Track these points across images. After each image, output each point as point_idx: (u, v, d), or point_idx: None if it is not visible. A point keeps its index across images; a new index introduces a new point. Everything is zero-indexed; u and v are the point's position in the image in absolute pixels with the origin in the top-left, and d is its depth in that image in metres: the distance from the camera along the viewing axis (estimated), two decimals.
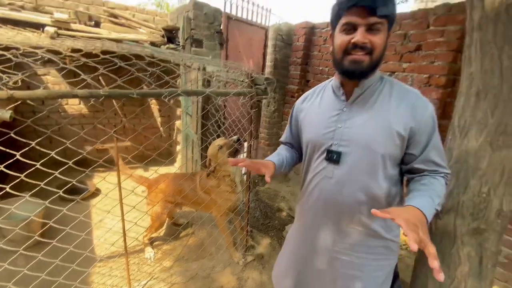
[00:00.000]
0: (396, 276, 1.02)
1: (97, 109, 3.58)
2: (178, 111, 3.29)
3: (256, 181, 4.01)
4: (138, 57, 1.38)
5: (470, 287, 1.03)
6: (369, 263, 0.91)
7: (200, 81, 2.29)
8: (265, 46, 3.49)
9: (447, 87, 2.20)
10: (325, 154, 0.90)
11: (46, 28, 2.13)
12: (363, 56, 0.78)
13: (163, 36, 2.85)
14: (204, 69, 2.21)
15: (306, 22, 3.32)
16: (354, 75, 0.82)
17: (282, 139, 1.17)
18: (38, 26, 2.31)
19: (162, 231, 2.47)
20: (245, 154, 2.34)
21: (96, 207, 2.79)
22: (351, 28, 0.78)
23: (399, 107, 0.82)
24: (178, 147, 3.47)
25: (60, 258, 1.43)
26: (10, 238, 1.92)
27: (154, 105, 3.99)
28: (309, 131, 0.97)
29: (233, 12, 2.92)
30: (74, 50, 1.34)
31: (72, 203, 1.53)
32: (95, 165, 1.48)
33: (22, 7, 2.45)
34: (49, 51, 1.25)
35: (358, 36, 0.76)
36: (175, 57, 2.15)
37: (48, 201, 1.33)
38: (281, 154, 1.07)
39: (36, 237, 1.42)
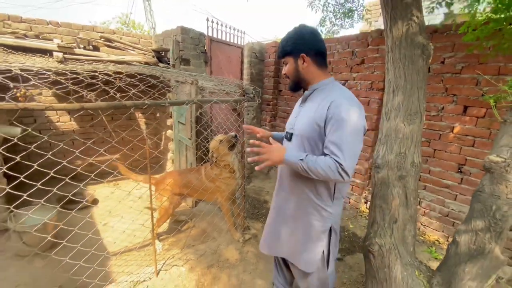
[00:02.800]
0: (332, 234, 1.30)
1: (86, 124, 3.79)
2: (169, 122, 3.66)
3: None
4: (128, 75, 1.80)
5: (401, 213, 1.60)
6: (302, 214, 1.26)
7: (194, 93, 2.74)
8: (242, 62, 4.04)
9: (384, 90, 2.92)
10: (285, 134, 1.34)
11: (55, 54, 2.44)
12: (288, 79, 1.30)
13: (153, 57, 3.26)
14: (197, 83, 2.67)
15: (275, 42, 3.96)
16: (291, 90, 1.33)
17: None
18: (43, 52, 2.59)
19: (165, 228, 2.80)
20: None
21: (98, 212, 3.03)
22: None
23: (322, 104, 1.14)
24: (170, 154, 3.81)
25: (82, 259, 1.73)
26: (27, 242, 2.15)
27: (140, 118, 4.29)
28: (289, 120, 1.40)
29: (215, 35, 3.44)
30: (118, 72, 1.72)
31: (73, 210, 1.71)
32: (89, 176, 1.84)
33: (25, 35, 2.71)
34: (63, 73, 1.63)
35: (282, 70, 1.31)
36: (171, 74, 2.58)
37: (59, 205, 1.66)
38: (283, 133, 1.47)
39: (49, 238, 1.58)
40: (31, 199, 1.27)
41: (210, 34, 3.36)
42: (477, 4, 1.60)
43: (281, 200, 1.36)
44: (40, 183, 1.30)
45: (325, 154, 1.10)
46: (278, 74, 4.10)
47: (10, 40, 2.41)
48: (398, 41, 1.72)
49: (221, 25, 3.50)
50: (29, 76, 1.18)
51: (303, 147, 1.21)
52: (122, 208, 3.05)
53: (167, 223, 2.82)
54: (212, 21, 3.36)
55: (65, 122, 3.74)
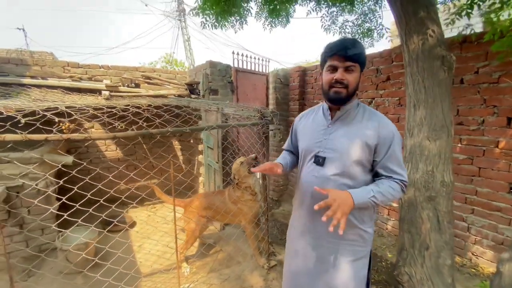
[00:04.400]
0: (371, 261, 1.21)
1: (130, 152, 4.20)
2: (200, 147, 3.88)
3: (271, 205, 4.41)
4: (157, 106, 1.99)
5: (433, 239, 1.43)
6: (344, 248, 1.12)
7: (219, 119, 2.91)
8: (267, 88, 4.20)
9: None
10: (314, 158, 1.16)
11: (103, 92, 2.84)
12: (342, 89, 1.07)
13: (186, 89, 3.58)
14: (222, 110, 2.84)
15: (298, 67, 4.08)
16: (336, 102, 1.12)
17: (284, 147, 1.45)
18: (94, 91, 3.05)
19: (193, 251, 2.85)
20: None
21: (135, 235, 3.23)
22: (333, 69, 1.08)
23: (368, 125, 1.09)
24: (201, 178, 3.98)
25: (116, 277, 1.85)
26: (70, 260, 2.37)
27: (176, 145, 4.62)
28: (304, 141, 1.24)
29: (240, 66, 3.68)
30: (148, 105, 1.96)
31: (114, 232, 1.98)
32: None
33: (81, 78, 3.23)
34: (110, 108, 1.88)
35: (338, 74, 1.06)
36: (199, 104, 2.80)
37: (101, 227, 1.82)
38: (286, 158, 1.36)
39: (86, 256, 1.74)
40: (74, 219, 1.44)
41: (236, 65, 3.61)
42: (501, 11, 1.50)
43: (312, 229, 1.18)
44: (92, 208, 1.49)
45: (377, 175, 1.11)
46: (303, 97, 4.15)
47: (67, 83, 2.90)
48: (415, 55, 1.67)
49: (246, 56, 3.74)
50: (72, 112, 1.41)
51: (346, 170, 1.09)
52: (156, 231, 3.21)
53: (196, 246, 2.88)
54: (238, 54, 3.62)
55: (112, 151, 4.20)
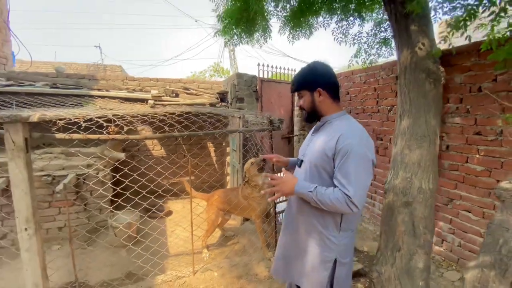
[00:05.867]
0: (337, 267, 1.25)
1: (172, 151, 4.87)
2: (228, 150, 4.31)
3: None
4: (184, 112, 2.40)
5: (406, 242, 1.52)
6: (310, 243, 1.26)
7: (241, 125, 3.26)
8: (292, 96, 4.43)
9: None
10: (297, 160, 1.39)
11: (149, 101, 3.47)
12: (302, 110, 1.35)
13: (217, 98, 4.05)
14: (243, 117, 3.19)
15: None
16: (305, 121, 1.38)
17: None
18: (142, 100, 3.71)
19: (215, 240, 3.24)
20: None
21: (170, 222, 3.78)
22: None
23: (332, 136, 1.18)
24: (228, 177, 4.40)
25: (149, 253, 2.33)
26: (117, 235, 2.96)
27: (211, 147, 5.15)
28: (301, 147, 1.44)
29: (266, 76, 4.01)
30: (171, 113, 2.43)
31: (156, 218, 2.47)
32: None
33: (134, 90, 3.95)
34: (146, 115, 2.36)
35: (296, 102, 1.57)
36: (225, 112, 3.20)
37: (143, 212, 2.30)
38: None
39: (133, 235, 2.33)
40: (124, 204, 1.95)
41: (261, 75, 3.95)
42: (496, 23, 1.51)
43: (291, 224, 1.37)
44: (137, 197, 2.03)
45: (335, 185, 1.13)
46: None
47: (123, 94, 3.61)
48: (404, 67, 1.78)
49: (271, 67, 4.05)
50: (115, 119, 1.93)
51: (311, 173, 1.24)
52: (186, 220, 3.71)
53: (217, 238, 3.27)
54: (263, 65, 3.95)
55: (158, 150, 4.93)
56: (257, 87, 3.91)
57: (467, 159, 2.37)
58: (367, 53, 2.83)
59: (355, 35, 2.82)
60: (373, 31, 2.76)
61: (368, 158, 1.14)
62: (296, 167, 1.38)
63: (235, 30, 2.90)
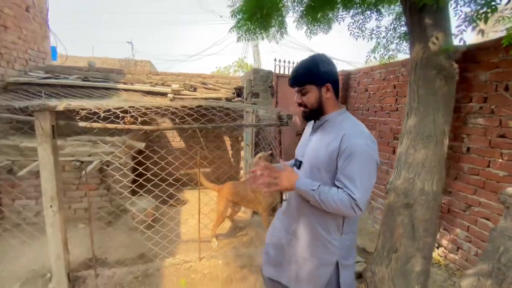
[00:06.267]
0: (340, 271, 1.19)
1: (190, 144, 5.06)
2: (242, 144, 4.39)
3: None
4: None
5: (404, 244, 1.48)
6: (309, 247, 1.19)
7: (254, 120, 3.31)
8: None
9: None
10: (295, 161, 1.30)
11: (169, 95, 3.64)
12: (303, 108, 1.20)
13: (233, 93, 4.12)
14: (256, 112, 3.23)
15: (342, 71, 4.09)
16: (305, 119, 1.26)
17: None
18: (164, 94, 3.90)
19: (225, 231, 3.34)
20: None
21: (184, 210, 3.97)
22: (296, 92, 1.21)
23: (335, 136, 1.11)
24: (242, 173, 4.49)
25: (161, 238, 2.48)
26: (134, 218, 3.18)
27: (227, 141, 5.27)
28: (298, 147, 1.35)
29: (282, 71, 4.00)
30: (183, 106, 2.54)
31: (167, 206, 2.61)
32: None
33: (157, 84, 4.16)
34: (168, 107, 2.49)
35: (295, 98, 1.21)
36: (239, 106, 3.27)
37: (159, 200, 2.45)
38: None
39: (147, 219, 2.49)
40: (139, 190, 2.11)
41: (277, 71, 3.94)
42: None
43: (290, 225, 1.28)
44: (159, 189, 2.21)
45: (337, 187, 1.08)
46: (346, 101, 4.13)
47: (145, 87, 3.82)
48: (415, 63, 1.71)
49: (288, 62, 4.02)
50: (130, 109, 2.08)
51: (311, 175, 1.17)
52: (201, 209, 3.87)
53: (227, 229, 3.38)
54: (279, 60, 3.94)
55: (177, 142, 5.15)
56: (273, 83, 3.92)
57: (489, 163, 2.20)
58: (386, 48, 2.71)
59: (373, 30, 2.71)
60: (392, 25, 2.63)
61: (373, 159, 1.08)
62: (295, 169, 1.27)
63: (250, 25, 2.93)
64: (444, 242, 2.53)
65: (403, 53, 2.71)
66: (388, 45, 2.69)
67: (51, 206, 1.94)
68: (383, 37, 2.70)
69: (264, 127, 3.35)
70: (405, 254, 1.46)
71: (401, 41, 2.67)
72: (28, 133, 2.62)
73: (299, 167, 1.25)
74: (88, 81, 3.85)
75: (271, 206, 2.78)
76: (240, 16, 2.67)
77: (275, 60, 3.92)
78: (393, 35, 2.66)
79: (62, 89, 3.46)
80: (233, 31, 2.82)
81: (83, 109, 2.08)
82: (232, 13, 2.68)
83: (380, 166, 3.49)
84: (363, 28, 2.66)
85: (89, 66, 4.38)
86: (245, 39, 2.90)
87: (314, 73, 1.15)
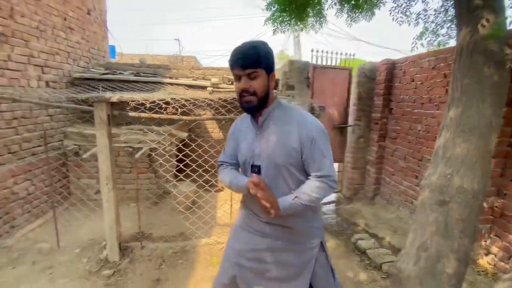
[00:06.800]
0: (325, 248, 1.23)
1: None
2: None
3: (342, 200, 4.44)
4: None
5: (436, 243, 1.39)
6: (295, 243, 1.16)
7: None
8: (349, 83, 4.18)
9: None
10: (251, 168, 1.15)
11: (208, 88, 3.86)
12: (250, 96, 1.05)
13: None
14: None
15: (387, 60, 3.82)
16: (250, 111, 1.10)
17: (228, 154, 1.27)
18: (204, 87, 4.14)
19: None
20: None
21: (221, 196, 4.20)
22: (239, 78, 1.06)
23: (289, 128, 1.08)
24: None
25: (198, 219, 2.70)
26: (177, 202, 3.49)
27: None
28: (242, 149, 1.20)
29: (320, 62, 3.90)
30: (219, 98, 2.70)
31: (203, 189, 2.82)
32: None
33: (198, 78, 4.42)
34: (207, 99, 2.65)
35: (241, 84, 1.05)
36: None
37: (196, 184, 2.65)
38: (234, 174, 1.23)
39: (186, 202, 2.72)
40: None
41: (315, 62, 3.86)
42: None
43: (261, 228, 1.19)
44: (196, 174, 2.43)
45: (307, 177, 1.11)
46: (390, 92, 3.86)
47: (188, 82, 4.10)
48: (460, 49, 1.57)
49: (326, 52, 3.90)
50: (171, 101, 2.30)
51: (272, 176, 1.11)
52: (237, 196, 4.07)
53: None
54: (317, 51, 3.85)
55: (216, 133, 5.42)
56: (310, 74, 3.85)
57: None
58: (435, 34, 2.46)
59: (419, 14, 2.47)
60: (443, 7, 2.36)
61: (326, 132, 1.11)
62: (251, 175, 1.12)
63: (285, 17, 2.92)
64: (495, 249, 2.27)
65: (454, 39, 2.42)
66: (438, 30, 2.43)
67: (106, 184, 2.27)
68: (432, 22, 2.45)
69: None
70: (436, 253, 1.38)
71: (452, 25, 2.39)
72: (90, 121, 3.04)
73: (259, 172, 1.12)
74: (140, 76, 4.27)
75: None
76: (274, 8, 2.68)
77: (312, 50, 3.84)
78: (444, 18, 2.40)
79: (118, 84, 3.91)
80: (268, 23, 2.84)
81: (132, 101, 2.37)
82: (266, 6, 2.70)
83: (424, 163, 3.23)
84: (407, 12, 2.45)
85: (140, 62, 4.84)
86: (281, 31, 2.90)
87: (266, 57, 1.05)
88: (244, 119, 1.25)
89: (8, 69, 2.81)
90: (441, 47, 2.59)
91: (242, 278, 1.22)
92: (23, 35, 3.00)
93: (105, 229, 2.30)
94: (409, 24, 2.56)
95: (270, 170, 1.11)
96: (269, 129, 1.12)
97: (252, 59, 1.03)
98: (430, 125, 3.15)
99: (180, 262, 2.38)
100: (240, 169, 1.26)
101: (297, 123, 1.08)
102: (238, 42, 1.11)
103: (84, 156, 3.21)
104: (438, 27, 2.43)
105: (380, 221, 3.59)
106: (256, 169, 1.13)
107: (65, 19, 3.74)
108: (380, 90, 3.96)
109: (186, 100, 2.50)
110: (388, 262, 2.41)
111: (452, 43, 2.51)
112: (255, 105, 1.07)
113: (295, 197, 1.06)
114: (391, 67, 3.79)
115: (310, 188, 1.06)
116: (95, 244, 2.52)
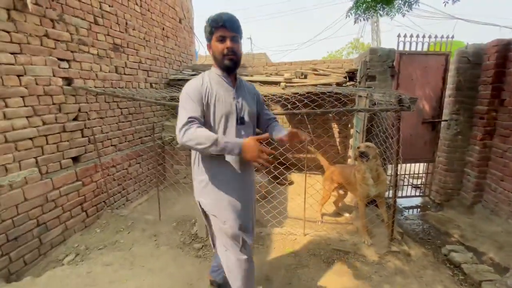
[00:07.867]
0: None
1: (300, 128, 5.28)
2: (351, 131, 4.19)
3: (429, 206, 3.90)
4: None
5: None
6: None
7: (367, 105, 3.11)
8: (445, 70, 3.59)
9: None
10: (236, 120, 1.36)
11: (281, 83, 3.94)
12: (233, 56, 1.28)
13: (345, 77, 3.97)
14: (370, 96, 3.03)
15: (498, 40, 3.13)
16: (232, 69, 1.33)
17: (197, 115, 1.28)
18: (277, 83, 4.24)
19: (329, 218, 3.38)
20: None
21: (291, 190, 4.28)
22: (223, 39, 1.25)
23: (252, 91, 1.54)
24: (349, 161, 4.32)
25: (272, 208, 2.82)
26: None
27: (335, 128, 5.15)
28: (221, 107, 1.33)
29: (407, 48, 3.48)
30: (293, 93, 2.74)
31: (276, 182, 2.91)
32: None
33: (271, 74, 4.56)
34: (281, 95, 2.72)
35: (229, 44, 1.25)
36: (349, 90, 3.16)
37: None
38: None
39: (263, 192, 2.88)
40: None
41: (401, 48, 3.46)
42: None
43: (245, 177, 1.47)
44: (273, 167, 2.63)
45: (269, 121, 1.61)
46: (502, 80, 3.15)
47: (262, 78, 4.27)
48: None
49: (417, 36, 3.45)
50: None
51: (253, 124, 1.51)
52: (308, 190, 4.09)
53: (332, 214, 3.44)
54: (405, 36, 3.43)
55: (287, 127, 5.49)
56: (395, 62, 3.48)
57: None
58: None
59: None
60: None
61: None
62: (237, 126, 1.38)
63: (370, 3, 2.74)
64: None
65: None
66: None
67: None
68: None
69: (379, 112, 3.10)
70: None
71: None
72: None
73: (243, 123, 1.41)
74: None
75: (367, 197, 2.65)
76: None
77: (398, 36, 3.44)
78: None
79: None
80: (351, 14, 2.71)
81: None
82: None
83: None
84: None
85: None
86: (364, 19, 2.73)
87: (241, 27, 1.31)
88: (202, 83, 1.33)
89: (125, 74, 3.51)
90: None
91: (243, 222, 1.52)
92: (134, 45, 3.68)
93: (195, 208, 2.66)
94: None
95: (248, 121, 1.43)
96: (243, 91, 1.45)
97: (238, 24, 1.27)
98: None
99: (256, 246, 2.56)
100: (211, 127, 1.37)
101: (253, 88, 1.58)
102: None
103: (177, 146, 3.76)
104: None
105: (480, 233, 3.03)
106: (242, 120, 1.41)
107: (163, 29, 4.40)
108: (488, 78, 3.27)
109: (265, 96, 2.63)
110: (489, 280, 2.02)
111: None
112: (236, 64, 1.33)
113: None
114: (504, 49, 3.08)
115: (278, 125, 1.59)
116: (187, 220, 2.94)
